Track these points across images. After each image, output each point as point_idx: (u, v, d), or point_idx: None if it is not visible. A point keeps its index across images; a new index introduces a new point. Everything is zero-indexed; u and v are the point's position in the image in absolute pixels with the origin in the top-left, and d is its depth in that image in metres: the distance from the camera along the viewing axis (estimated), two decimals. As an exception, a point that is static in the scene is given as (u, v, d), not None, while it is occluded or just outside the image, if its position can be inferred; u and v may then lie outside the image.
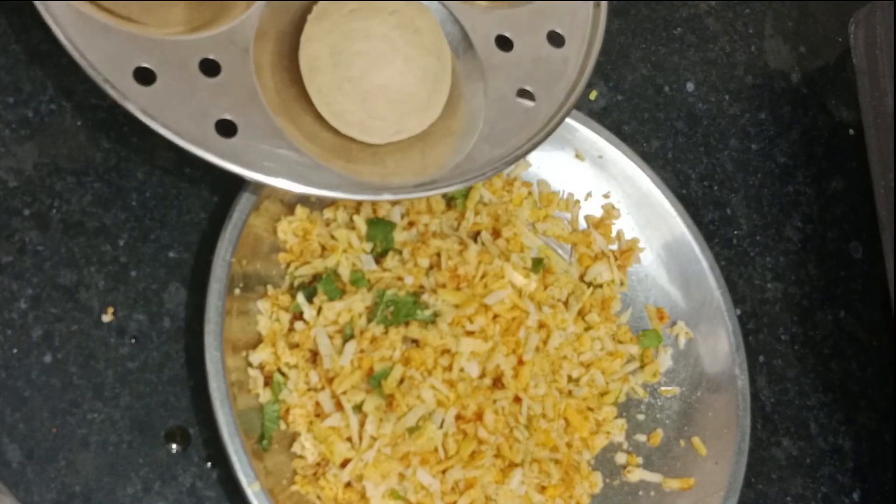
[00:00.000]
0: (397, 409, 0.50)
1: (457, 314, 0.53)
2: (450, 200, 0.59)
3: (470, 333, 0.53)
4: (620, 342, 0.60)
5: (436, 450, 0.51)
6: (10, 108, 0.51)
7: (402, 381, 0.51)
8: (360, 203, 0.56)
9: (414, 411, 0.50)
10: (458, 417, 0.52)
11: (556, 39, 0.58)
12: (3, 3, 0.52)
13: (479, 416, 0.52)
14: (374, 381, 0.51)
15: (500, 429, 0.52)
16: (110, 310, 0.51)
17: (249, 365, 0.51)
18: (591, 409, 0.58)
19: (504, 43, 0.57)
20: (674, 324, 0.62)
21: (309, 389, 0.51)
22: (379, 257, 0.55)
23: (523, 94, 0.56)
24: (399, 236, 0.56)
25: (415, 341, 0.52)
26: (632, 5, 0.70)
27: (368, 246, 0.55)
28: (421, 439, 0.50)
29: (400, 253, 0.55)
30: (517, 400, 0.54)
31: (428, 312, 0.53)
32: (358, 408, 0.50)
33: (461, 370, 0.52)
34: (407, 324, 0.52)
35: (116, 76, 0.46)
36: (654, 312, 0.62)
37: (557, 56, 0.58)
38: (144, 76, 0.47)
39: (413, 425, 0.50)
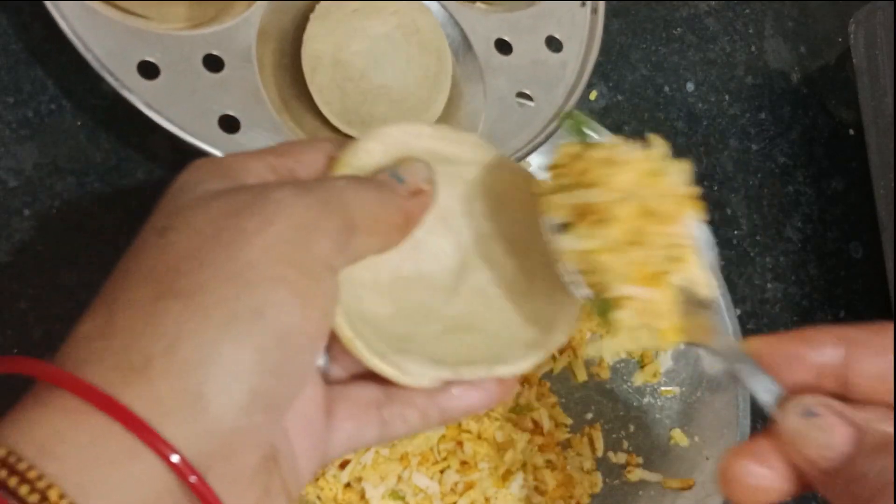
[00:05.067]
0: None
1: None
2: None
3: None
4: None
5: (432, 450, 0.51)
6: (10, 107, 0.51)
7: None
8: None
9: (413, 411, 0.50)
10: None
11: (554, 43, 0.58)
12: (3, 3, 0.52)
13: (459, 444, 0.52)
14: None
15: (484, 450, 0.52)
16: (110, 310, 0.50)
17: (250, 365, 0.51)
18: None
19: (503, 46, 0.57)
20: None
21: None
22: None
23: (523, 95, 0.56)
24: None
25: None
26: (632, 5, 0.70)
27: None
28: (418, 439, 0.50)
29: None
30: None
31: None
32: (358, 408, 0.50)
33: None
34: None
35: (120, 70, 0.46)
36: None
37: (556, 59, 0.58)
38: (148, 70, 0.47)
39: (412, 425, 0.50)
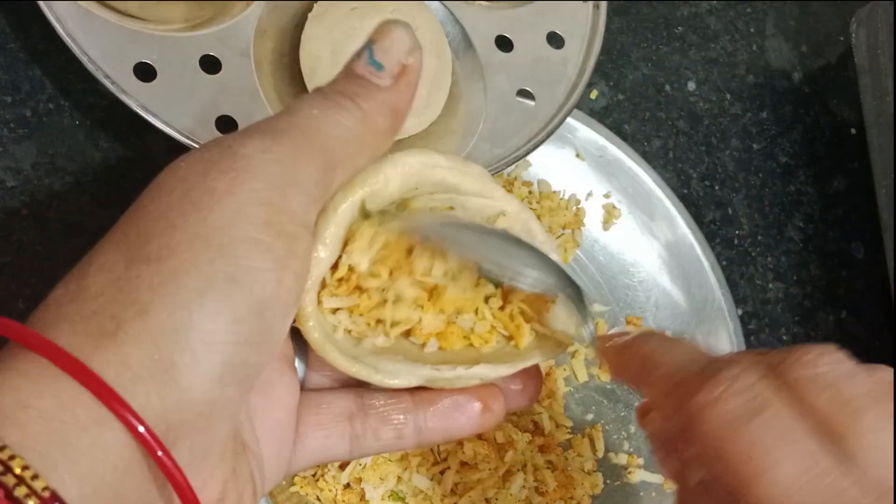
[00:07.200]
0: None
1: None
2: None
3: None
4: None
5: (432, 451, 0.51)
6: (9, 107, 0.51)
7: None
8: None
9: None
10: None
11: (555, 40, 0.58)
12: (1, 3, 0.52)
13: (459, 444, 0.51)
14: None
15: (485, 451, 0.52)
16: (109, 310, 0.50)
17: (249, 365, 0.50)
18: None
19: (504, 43, 0.56)
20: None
21: (308, 390, 0.51)
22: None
23: (523, 93, 0.56)
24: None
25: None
26: (633, 4, 0.70)
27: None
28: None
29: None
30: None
31: None
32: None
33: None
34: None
35: (117, 72, 0.46)
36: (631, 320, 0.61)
37: (557, 57, 0.57)
38: (145, 72, 0.47)
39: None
